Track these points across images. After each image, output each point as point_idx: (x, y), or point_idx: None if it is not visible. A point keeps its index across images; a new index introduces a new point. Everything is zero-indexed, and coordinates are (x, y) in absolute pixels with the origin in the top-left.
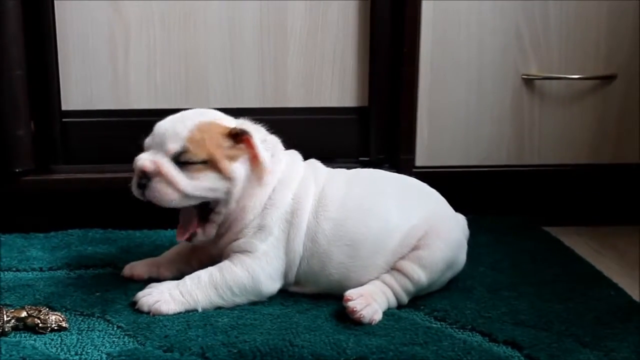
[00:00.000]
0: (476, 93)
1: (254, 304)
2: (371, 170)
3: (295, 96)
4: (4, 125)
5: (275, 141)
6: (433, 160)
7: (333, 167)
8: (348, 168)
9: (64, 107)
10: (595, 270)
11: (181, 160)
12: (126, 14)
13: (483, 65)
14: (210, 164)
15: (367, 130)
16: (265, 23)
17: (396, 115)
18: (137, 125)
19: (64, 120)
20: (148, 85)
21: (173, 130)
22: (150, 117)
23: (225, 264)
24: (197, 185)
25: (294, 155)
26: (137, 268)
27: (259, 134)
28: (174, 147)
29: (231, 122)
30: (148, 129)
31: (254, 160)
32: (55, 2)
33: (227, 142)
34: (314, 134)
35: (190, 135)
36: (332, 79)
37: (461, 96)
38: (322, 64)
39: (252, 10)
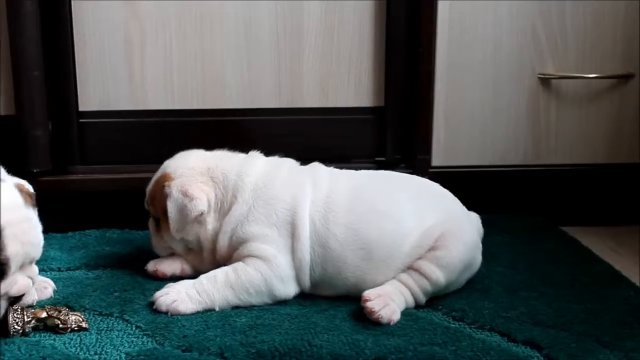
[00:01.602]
0: (492, 93)
1: (271, 304)
2: (382, 171)
3: (311, 96)
4: (22, 126)
5: (233, 170)
6: (449, 160)
7: (350, 168)
8: (364, 168)
9: (81, 108)
10: (614, 270)
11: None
12: (142, 15)
13: (499, 65)
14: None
15: (383, 130)
16: (281, 24)
17: (412, 115)
18: (154, 125)
19: (81, 121)
20: (165, 86)
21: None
22: (166, 118)
23: (239, 264)
24: (162, 241)
25: (276, 166)
26: (161, 265)
27: (201, 175)
28: (146, 203)
29: (203, 163)
30: (164, 129)
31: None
32: (72, 3)
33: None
34: (330, 134)
35: (149, 193)
36: (348, 79)
37: (477, 96)
38: (338, 64)
39: (267, 10)
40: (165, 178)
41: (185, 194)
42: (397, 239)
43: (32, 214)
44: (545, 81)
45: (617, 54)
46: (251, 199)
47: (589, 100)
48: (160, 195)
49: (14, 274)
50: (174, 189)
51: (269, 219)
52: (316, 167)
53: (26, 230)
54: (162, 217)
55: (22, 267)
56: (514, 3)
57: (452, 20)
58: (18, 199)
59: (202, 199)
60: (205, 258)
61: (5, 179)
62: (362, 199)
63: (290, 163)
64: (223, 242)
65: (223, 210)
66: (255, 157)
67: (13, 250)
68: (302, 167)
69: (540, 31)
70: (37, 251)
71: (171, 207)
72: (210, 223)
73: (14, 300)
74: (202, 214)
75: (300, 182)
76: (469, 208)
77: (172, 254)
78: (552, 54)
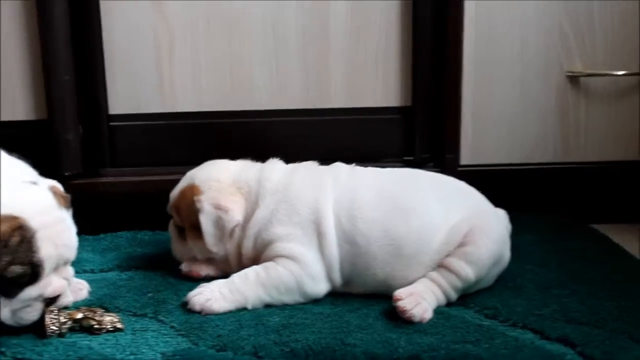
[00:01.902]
0: (520, 91)
1: (304, 303)
2: (406, 169)
3: (339, 97)
4: (53, 130)
5: (255, 177)
6: (478, 159)
7: (379, 167)
8: (393, 167)
9: (110, 111)
10: None
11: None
12: (171, 19)
13: (527, 64)
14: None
15: (411, 129)
16: (308, 25)
17: (440, 114)
18: (183, 128)
19: (111, 124)
20: (193, 88)
21: (172, 192)
22: (195, 120)
23: (270, 263)
24: (184, 248)
25: (295, 169)
26: (196, 265)
27: (229, 186)
28: (169, 210)
29: (228, 174)
30: (193, 131)
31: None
32: (101, 8)
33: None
34: (358, 134)
35: (174, 201)
36: (375, 79)
37: (505, 94)
38: (365, 65)
39: (294, 12)
40: (193, 191)
41: (218, 207)
42: (424, 236)
43: (66, 216)
44: (573, 79)
45: None
46: (272, 203)
47: (618, 97)
48: (188, 207)
49: (48, 275)
50: (205, 203)
51: (292, 219)
52: (337, 166)
53: (60, 232)
54: (188, 228)
55: (56, 268)
56: (540, 2)
57: (479, 19)
58: (51, 201)
59: (236, 210)
60: (232, 262)
61: (38, 182)
62: (387, 195)
63: (308, 165)
64: (247, 247)
65: (247, 217)
66: (274, 163)
67: (47, 253)
68: (322, 167)
69: (567, 29)
70: (72, 253)
71: (205, 222)
72: (237, 232)
73: (50, 301)
74: (238, 225)
75: (320, 181)
76: (498, 206)
77: None
78: (580, 51)
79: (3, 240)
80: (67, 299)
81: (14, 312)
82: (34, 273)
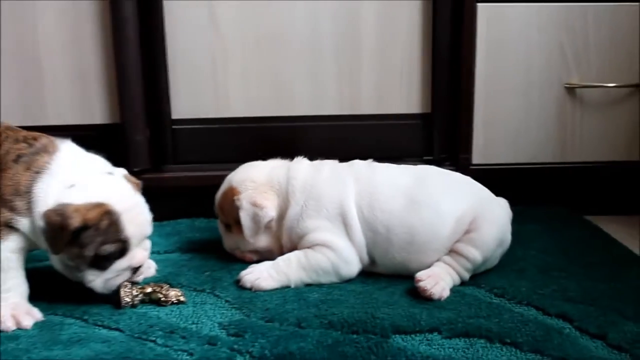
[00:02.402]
0: (525, 100)
1: (339, 283)
2: (417, 166)
3: (368, 104)
4: (125, 132)
5: (285, 176)
6: (488, 158)
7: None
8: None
9: (173, 116)
10: (633, 253)
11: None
12: (225, 37)
13: (530, 77)
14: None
15: (430, 133)
16: (342, 41)
17: (455, 120)
18: (235, 130)
19: (173, 127)
20: (243, 96)
21: (216, 197)
22: (245, 124)
23: (309, 250)
24: (232, 241)
25: (319, 167)
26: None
27: (263, 185)
28: (216, 211)
29: (261, 174)
30: (243, 133)
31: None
32: (165, 30)
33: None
34: (385, 137)
35: (218, 203)
36: (399, 89)
37: (512, 103)
38: (391, 76)
39: (330, 30)
40: (233, 192)
41: (255, 204)
42: (435, 225)
43: (140, 199)
44: (570, 90)
45: (633, 66)
46: (302, 200)
47: (609, 106)
48: (230, 206)
49: (133, 249)
50: (244, 201)
51: (320, 214)
52: (356, 163)
53: (138, 212)
54: (233, 224)
55: (138, 243)
56: (542, 22)
57: (489, 39)
58: (128, 187)
59: (270, 206)
60: (274, 253)
61: (113, 172)
62: (402, 189)
63: (331, 163)
64: (285, 240)
65: (281, 213)
66: (300, 162)
67: (130, 231)
68: (343, 164)
69: (566, 47)
70: (149, 229)
71: (244, 217)
72: (274, 227)
73: (135, 270)
74: (272, 219)
75: (342, 178)
76: (505, 200)
77: None
78: (577, 66)
79: (95, 225)
80: (150, 270)
81: (105, 281)
82: (122, 249)
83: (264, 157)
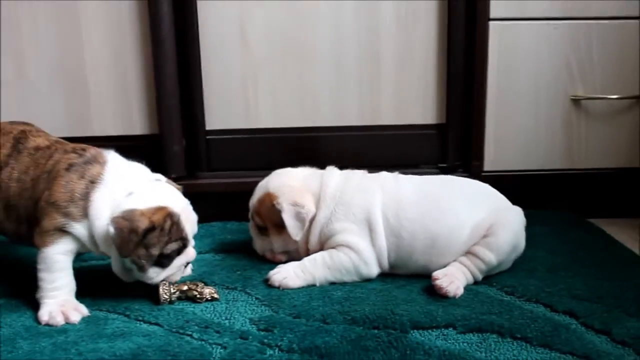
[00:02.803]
0: (533, 111)
1: (360, 282)
2: (439, 176)
3: (387, 115)
4: (163, 142)
5: (318, 185)
6: (498, 166)
7: (418, 172)
8: (430, 173)
9: (207, 127)
10: (634, 254)
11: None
12: (255, 54)
13: (539, 89)
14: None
15: (445, 142)
16: (363, 58)
17: (468, 130)
18: (263, 140)
19: (207, 137)
20: (271, 108)
21: (251, 200)
22: (273, 134)
23: (333, 251)
24: (265, 243)
25: (349, 177)
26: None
27: (300, 188)
28: (251, 217)
29: (295, 180)
30: (272, 143)
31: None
32: (201, 50)
33: (275, 211)
34: (402, 145)
35: (254, 208)
36: (416, 102)
37: (521, 113)
38: (409, 90)
39: (352, 46)
40: (271, 197)
41: (296, 204)
42: (455, 231)
43: (187, 201)
44: (576, 102)
45: (635, 79)
46: (332, 205)
47: (612, 117)
48: (269, 211)
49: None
50: (284, 204)
51: (348, 218)
52: (382, 174)
53: (190, 212)
54: (270, 227)
55: None
56: (551, 38)
57: (501, 54)
58: (177, 191)
59: (310, 204)
60: (301, 254)
61: (159, 178)
62: (426, 198)
63: (360, 173)
64: (313, 241)
65: (312, 217)
66: (332, 171)
67: (187, 229)
68: (371, 174)
69: (572, 61)
70: (196, 227)
71: (288, 218)
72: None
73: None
74: (314, 214)
75: (370, 187)
76: (515, 204)
77: None
78: (582, 79)
79: (160, 226)
80: (187, 269)
81: (166, 278)
82: (182, 246)
83: (291, 165)
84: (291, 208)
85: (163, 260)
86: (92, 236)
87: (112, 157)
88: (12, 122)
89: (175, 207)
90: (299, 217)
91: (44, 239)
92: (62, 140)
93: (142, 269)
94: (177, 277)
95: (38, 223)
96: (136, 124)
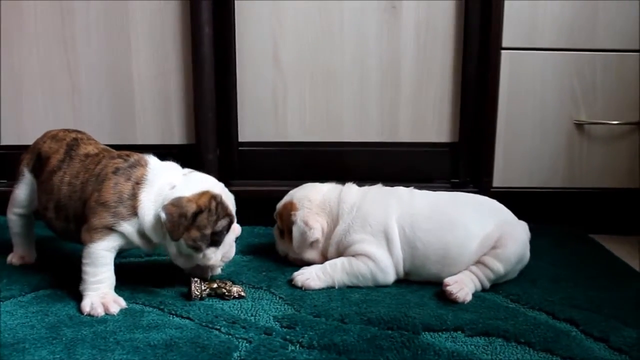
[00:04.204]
0: (540, 134)
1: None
2: (450, 192)
3: (405, 133)
4: (199, 152)
5: (337, 197)
6: (506, 182)
7: (431, 187)
8: (442, 188)
9: (240, 139)
10: (631, 268)
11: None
12: (285, 72)
13: (545, 114)
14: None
15: (457, 159)
16: (384, 79)
17: (479, 149)
18: (291, 152)
19: (240, 148)
20: (299, 123)
21: (279, 204)
22: (301, 148)
23: (352, 259)
24: (285, 246)
25: (365, 192)
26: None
27: (317, 207)
28: (275, 217)
29: (317, 194)
30: (299, 155)
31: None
32: (237, 66)
33: (290, 220)
34: (418, 161)
35: (278, 211)
36: (432, 121)
37: (528, 135)
38: (425, 111)
39: (375, 69)
40: (292, 207)
41: (306, 224)
42: (466, 243)
43: (222, 184)
44: (579, 126)
45: (635, 106)
46: (349, 219)
47: (613, 141)
48: (287, 217)
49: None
50: (297, 219)
51: (365, 229)
52: (398, 189)
53: (228, 193)
54: (286, 232)
55: None
56: (557, 67)
57: (511, 81)
58: (211, 177)
59: (318, 229)
60: (317, 263)
61: (192, 171)
62: (439, 211)
63: (375, 189)
64: (331, 252)
65: (329, 231)
66: (350, 187)
67: (231, 208)
68: (387, 188)
69: (576, 89)
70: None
71: (295, 232)
72: (320, 245)
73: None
74: (317, 240)
75: (386, 201)
76: (521, 218)
77: None
78: (585, 105)
79: (206, 208)
80: (217, 269)
81: (223, 255)
82: (229, 222)
83: (315, 176)
84: (301, 225)
85: (216, 239)
86: (141, 232)
87: (152, 160)
88: (65, 130)
89: (216, 190)
90: (303, 236)
91: (91, 235)
92: (108, 148)
93: (199, 250)
94: (231, 254)
95: (86, 221)
96: (175, 134)
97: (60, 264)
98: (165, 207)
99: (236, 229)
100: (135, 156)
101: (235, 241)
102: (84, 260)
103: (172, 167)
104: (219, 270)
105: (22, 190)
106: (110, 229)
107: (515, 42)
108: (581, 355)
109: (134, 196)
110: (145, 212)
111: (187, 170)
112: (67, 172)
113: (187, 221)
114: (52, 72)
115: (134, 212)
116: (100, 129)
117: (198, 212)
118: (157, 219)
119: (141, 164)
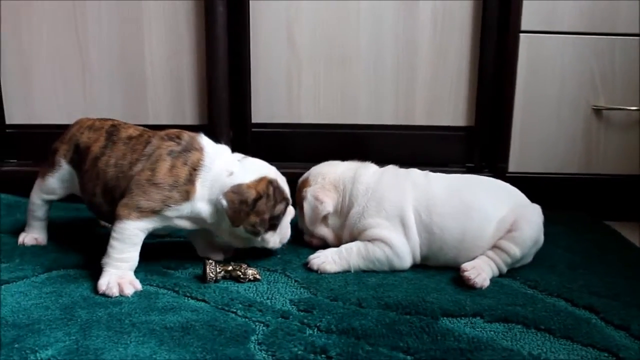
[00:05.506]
0: (557, 119)
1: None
2: (465, 175)
3: (421, 117)
4: (212, 134)
5: (351, 177)
6: (522, 167)
7: (446, 171)
8: (458, 172)
9: (253, 120)
10: None
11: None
12: (300, 55)
13: (563, 98)
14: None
15: (472, 143)
16: (400, 62)
17: (495, 133)
18: (304, 134)
19: (253, 130)
20: (314, 106)
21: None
22: (314, 129)
23: (368, 243)
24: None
25: (382, 173)
26: (314, 238)
27: (329, 184)
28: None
29: (333, 172)
30: (312, 138)
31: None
32: (251, 50)
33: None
34: (433, 145)
35: (298, 186)
36: (448, 105)
37: (545, 120)
38: (441, 94)
39: (391, 51)
40: (306, 182)
41: (316, 198)
42: (483, 226)
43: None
44: (597, 111)
45: None
46: (364, 202)
47: (630, 127)
48: (299, 194)
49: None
50: (308, 194)
51: (380, 214)
52: (413, 171)
53: (282, 177)
54: (299, 208)
55: None
56: (576, 52)
57: (529, 65)
58: (264, 162)
59: (329, 202)
60: (332, 245)
61: (245, 156)
62: (455, 195)
63: (392, 170)
64: (346, 235)
65: (343, 212)
66: (366, 168)
67: (287, 190)
68: (402, 171)
69: (595, 73)
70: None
71: (306, 207)
72: (332, 222)
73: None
74: (328, 214)
75: (401, 185)
76: (537, 204)
77: None
78: (604, 91)
79: (265, 193)
80: (231, 251)
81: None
82: (286, 206)
83: (329, 159)
84: (312, 200)
85: (274, 222)
86: (190, 217)
87: (205, 143)
88: (99, 119)
89: (271, 174)
90: (315, 211)
91: (130, 212)
92: (147, 129)
93: (257, 234)
94: (287, 235)
95: (128, 195)
96: (187, 114)
97: (71, 245)
98: (226, 195)
99: (292, 211)
100: (186, 137)
101: (290, 223)
102: (113, 234)
103: (225, 151)
104: (232, 253)
105: (55, 180)
106: (155, 212)
107: (534, 25)
108: (602, 343)
109: (190, 182)
110: (201, 197)
111: (239, 155)
112: (112, 155)
113: (247, 207)
114: (62, 50)
115: (187, 198)
116: (111, 109)
117: (257, 198)
118: (212, 205)
119: (196, 148)
